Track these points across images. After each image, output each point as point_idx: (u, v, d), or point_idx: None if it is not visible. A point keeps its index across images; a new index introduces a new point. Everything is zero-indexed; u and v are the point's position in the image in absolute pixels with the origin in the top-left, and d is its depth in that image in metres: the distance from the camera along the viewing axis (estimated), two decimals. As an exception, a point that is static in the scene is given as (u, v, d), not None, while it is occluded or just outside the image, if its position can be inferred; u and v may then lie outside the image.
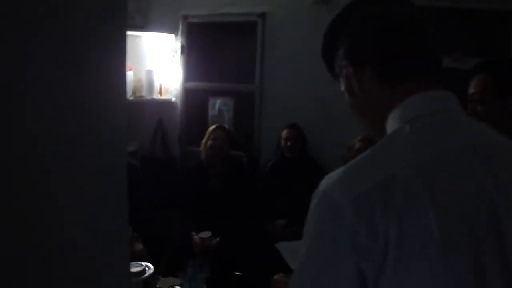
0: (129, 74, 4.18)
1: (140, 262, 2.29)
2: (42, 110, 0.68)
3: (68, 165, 0.73)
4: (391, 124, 0.91)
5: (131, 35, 4.20)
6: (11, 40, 0.63)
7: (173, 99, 4.48)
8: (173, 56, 4.46)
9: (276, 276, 1.39)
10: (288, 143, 3.70)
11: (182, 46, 4.42)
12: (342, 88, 1.04)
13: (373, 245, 0.73)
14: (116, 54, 0.81)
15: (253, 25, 4.12)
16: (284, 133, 3.76)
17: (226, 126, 3.91)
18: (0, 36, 0.61)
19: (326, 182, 0.84)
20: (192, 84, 4.46)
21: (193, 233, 3.27)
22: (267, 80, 4.13)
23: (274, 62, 4.07)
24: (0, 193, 0.63)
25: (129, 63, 4.16)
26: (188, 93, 4.49)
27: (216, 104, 4.38)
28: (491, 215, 0.77)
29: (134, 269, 2.20)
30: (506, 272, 0.76)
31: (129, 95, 4.26)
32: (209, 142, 3.58)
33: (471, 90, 1.83)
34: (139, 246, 2.72)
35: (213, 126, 3.71)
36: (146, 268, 2.26)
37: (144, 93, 4.35)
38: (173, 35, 4.42)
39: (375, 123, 0.98)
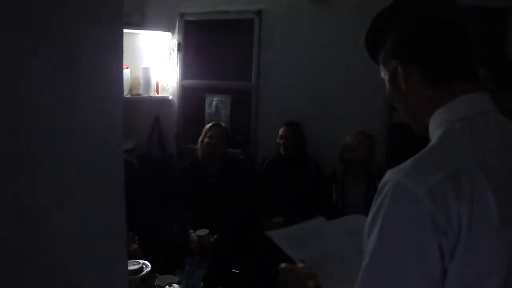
0: (126, 72, 4.18)
1: (137, 260, 2.29)
2: (38, 108, 0.68)
3: (64, 163, 0.73)
4: (437, 122, 0.99)
5: (128, 33, 4.20)
6: (6, 37, 0.63)
7: (170, 97, 4.48)
8: (170, 54, 4.46)
9: (282, 265, 1.40)
10: (283, 141, 3.72)
11: (178, 44, 4.41)
12: (383, 76, 1.10)
13: (449, 226, 0.84)
14: (113, 52, 0.81)
15: (250, 23, 4.12)
16: (281, 130, 3.77)
17: (223, 123, 3.90)
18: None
19: (395, 174, 0.91)
20: (189, 82, 4.46)
21: (190, 230, 3.27)
22: (264, 77, 4.13)
23: (271, 60, 4.08)
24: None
25: (125, 61, 4.16)
26: (185, 91, 4.49)
27: (213, 102, 4.38)
28: None
29: (132, 267, 2.20)
30: None
31: (126, 93, 4.25)
32: (206, 140, 3.58)
33: None
34: (134, 246, 2.72)
35: (210, 124, 3.70)
36: (144, 266, 2.26)
37: (141, 91, 4.35)
38: (169, 33, 4.42)
39: (416, 119, 1.07)
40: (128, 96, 4.25)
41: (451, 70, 0.99)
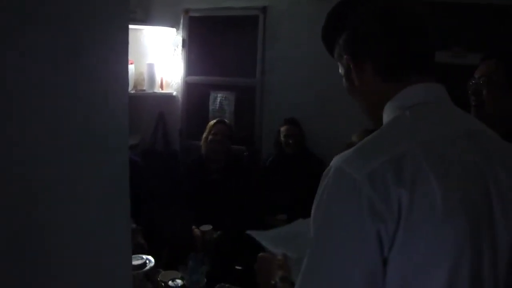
0: (130, 68, 4.18)
1: (141, 255, 2.30)
2: (42, 104, 0.68)
3: (69, 159, 0.73)
4: (389, 111, 0.99)
5: (132, 29, 4.20)
6: (11, 34, 0.63)
7: (174, 93, 4.49)
8: (174, 50, 4.46)
9: (261, 254, 1.43)
10: (290, 141, 3.71)
11: (183, 40, 4.42)
12: (341, 72, 1.10)
13: (388, 212, 0.82)
14: (119, 48, 0.81)
15: (255, 19, 4.12)
16: (284, 129, 3.75)
17: (227, 120, 3.90)
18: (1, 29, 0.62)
19: (338, 160, 0.90)
20: (193, 78, 4.47)
21: (194, 226, 3.28)
22: (268, 74, 4.13)
23: (275, 57, 4.07)
24: (1, 185, 0.64)
25: (130, 57, 4.12)
26: (189, 87, 4.49)
27: (217, 98, 4.38)
28: (484, 189, 0.90)
29: (135, 262, 2.21)
30: (493, 235, 0.89)
31: (130, 88, 4.26)
32: (210, 137, 3.57)
33: (477, 74, 1.81)
34: (141, 240, 2.73)
35: (214, 121, 3.70)
36: (147, 261, 2.27)
37: (145, 87, 4.36)
38: (174, 29, 4.42)
39: (371, 110, 1.07)
40: (132, 92, 4.26)
41: (403, 63, 0.98)
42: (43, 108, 0.68)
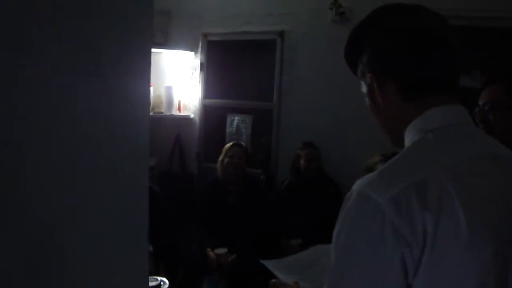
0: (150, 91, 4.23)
1: (155, 277, 2.29)
2: (65, 127, 0.69)
3: (90, 180, 0.74)
4: (412, 133, 0.97)
5: (151, 52, 4.26)
6: (37, 56, 0.65)
7: (192, 116, 4.52)
8: (193, 73, 4.51)
9: (273, 280, 1.41)
10: (312, 165, 3.70)
11: (201, 64, 4.47)
12: (363, 90, 1.08)
13: (413, 237, 0.80)
14: (141, 73, 0.83)
15: (272, 44, 4.16)
16: (305, 153, 3.74)
17: (243, 143, 3.92)
18: (27, 54, 0.63)
19: (360, 184, 0.89)
20: (210, 101, 4.50)
21: (209, 249, 3.27)
22: (285, 98, 4.15)
23: (292, 80, 4.10)
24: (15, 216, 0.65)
25: (149, 79, 4.21)
26: (206, 110, 4.53)
27: (234, 121, 4.41)
28: (507, 212, 0.87)
29: (150, 283, 2.20)
30: None
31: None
32: (226, 160, 3.58)
33: (482, 100, 1.80)
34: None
35: (230, 144, 3.71)
36: (162, 283, 2.26)
37: (163, 109, 4.40)
38: (192, 53, 4.47)
39: (393, 132, 1.05)
40: (150, 114, 4.28)
41: (428, 82, 0.96)
42: (64, 131, 0.69)
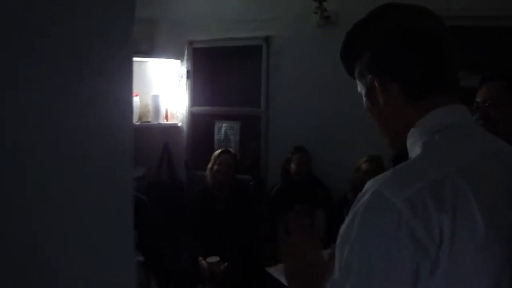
0: (136, 100, 4.21)
1: (147, 289, 2.27)
2: (45, 136, 0.68)
3: (74, 191, 0.73)
4: (416, 135, 0.96)
5: (137, 61, 4.24)
6: (14, 70, 0.63)
7: (179, 124, 4.50)
8: (179, 81, 4.50)
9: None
10: (303, 169, 3.69)
11: (187, 71, 4.45)
12: (360, 91, 1.07)
13: (429, 240, 0.78)
14: (123, 80, 0.81)
15: (258, 49, 4.16)
16: (296, 157, 3.73)
17: (232, 150, 3.90)
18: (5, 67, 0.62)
19: (374, 183, 0.86)
20: (198, 109, 4.49)
21: (201, 258, 3.24)
22: (273, 103, 4.14)
23: (279, 85, 4.10)
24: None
25: (135, 89, 4.18)
26: (194, 118, 4.51)
27: (222, 128, 4.39)
28: None
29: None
30: None
31: (136, 120, 4.28)
32: (215, 167, 3.57)
33: (480, 97, 1.79)
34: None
35: (218, 151, 3.70)
36: (154, 295, 2.23)
37: (151, 118, 4.38)
38: (178, 61, 4.46)
39: (394, 133, 1.04)
40: (137, 123, 4.28)
41: (430, 82, 0.95)
42: (44, 140, 0.67)
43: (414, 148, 0.95)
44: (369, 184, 0.88)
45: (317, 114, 3.91)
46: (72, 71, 0.71)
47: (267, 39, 4.10)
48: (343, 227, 0.87)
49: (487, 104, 1.75)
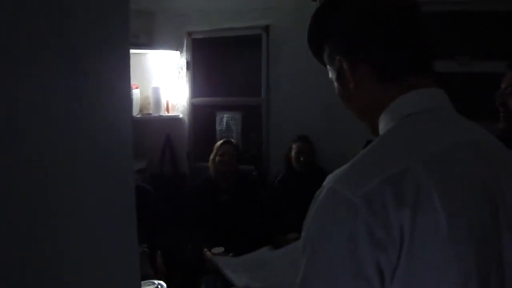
0: (136, 92, 4.20)
1: (152, 281, 2.27)
2: (44, 131, 0.67)
3: (74, 186, 0.72)
4: (385, 120, 0.91)
5: (136, 53, 4.23)
6: (13, 61, 0.63)
7: (181, 116, 4.50)
8: (179, 72, 4.48)
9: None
10: (301, 158, 3.67)
11: (187, 62, 4.44)
12: (331, 76, 1.02)
13: (388, 238, 0.73)
14: (120, 72, 0.80)
15: (257, 38, 4.14)
16: (296, 146, 3.72)
17: (234, 140, 3.90)
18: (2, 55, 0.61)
19: (331, 179, 0.82)
20: (198, 100, 4.48)
21: (205, 249, 3.25)
22: (274, 92, 4.13)
23: (280, 74, 4.08)
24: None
25: (135, 81, 4.19)
26: (195, 109, 4.50)
27: (224, 119, 4.39)
28: (490, 204, 0.80)
29: (147, 287, 2.18)
30: (500, 251, 0.80)
31: (136, 113, 4.27)
32: (217, 158, 3.57)
33: (504, 84, 1.76)
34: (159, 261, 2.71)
35: (220, 141, 3.69)
36: (159, 286, 2.24)
37: (151, 111, 4.37)
38: (178, 52, 4.44)
39: (368, 119, 0.98)
40: (138, 116, 4.27)
41: (402, 63, 0.90)
42: (43, 135, 0.67)
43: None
44: (327, 179, 0.83)
45: (319, 102, 3.89)
46: (68, 66, 0.71)
47: (266, 28, 4.08)
48: (304, 226, 0.84)
49: (507, 92, 1.71)
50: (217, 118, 4.42)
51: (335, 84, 1.01)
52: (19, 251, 0.65)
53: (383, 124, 0.91)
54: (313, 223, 0.81)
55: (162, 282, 2.28)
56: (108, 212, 0.79)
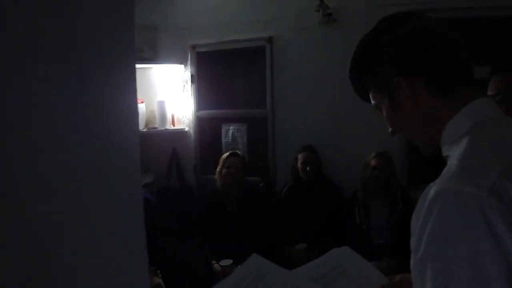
0: (141, 107, 4.22)
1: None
2: (50, 146, 0.67)
3: (82, 202, 0.72)
4: (454, 129, 0.93)
5: (141, 67, 4.25)
6: (15, 76, 0.63)
7: (186, 129, 4.50)
8: (184, 86, 4.50)
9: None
10: (308, 168, 3.65)
11: (192, 76, 4.45)
12: (376, 104, 1.06)
13: None
14: (126, 87, 0.81)
15: (261, 50, 4.15)
16: (302, 156, 3.70)
17: (240, 152, 3.90)
18: (8, 72, 0.61)
19: (444, 181, 0.82)
20: (204, 113, 4.49)
21: (213, 261, 3.24)
22: (279, 103, 4.13)
23: (284, 85, 4.08)
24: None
25: (140, 95, 4.20)
26: (200, 122, 4.51)
27: (229, 131, 4.39)
28: None
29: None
30: None
31: (142, 127, 4.29)
32: (224, 170, 3.57)
33: (491, 91, 1.75)
34: (157, 280, 2.70)
35: (227, 154, 3.69)
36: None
37: (157, 124, 4.39)
38: (182, 65, 4.46)
39: (425, 136, 1.02)
40: (144, 130, 4.28)
41: (456, 77, 0.95)
42: (50, 150, 0.67)
43: (452, 146, 0.92)
44: (432, 186, 0.83)
45: (324, 112, 3.89)
46: (75, 81, 0.71)
47: (270, 40, 4.09)
48: (415, 238, 0.82)
49: (498, 100, 1.69)
50: (223, 131, 4.42)
51: (386, 110, 1.04)
52: (27, 270, 0.64)
53: (451, 136, 0.93)
54: (432, 229, 0.79)
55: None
56: (117, 227, 0.79)
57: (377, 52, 1.03)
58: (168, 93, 4.49)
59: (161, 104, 4.36)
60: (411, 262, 0.86)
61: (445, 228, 0.78)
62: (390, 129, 1.08)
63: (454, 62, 0.96)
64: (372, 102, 1.08)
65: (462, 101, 0.93)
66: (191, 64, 4.45)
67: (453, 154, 0.90)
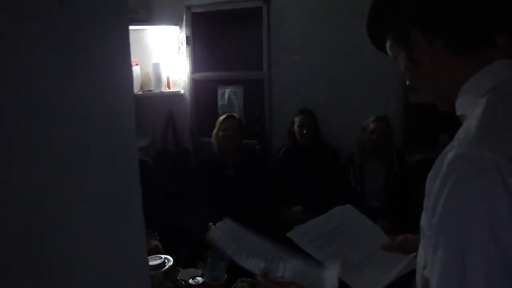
0: (136, 69, 4.18)
1: (159, 255, 2.29)
2: (43, 109, 0.67)
3: (77, 165, 0.72)
4: (472, 91, 0.91)
5: (135, 29, 4.19)
6: (9, 39, 0.62)
7: (182, 91, 4.48)
8: (179, 48, 4.45)
9: (258, 277, 1.34)
10: (304, 131, 3.64)
11: (187, 37, 4.40)
12: (395, 56, 1.03)
13: None
14: (120, 49, 0.79)
15: (258, 11, 4.08)
16: (298, 119, 3.69)
17: (236, 114, 3.88)
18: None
19: (463, 145, 0.80)
20: (200, 75, 4.45)
21: (211, 223, 3.27)
22: (275, 65, 4.10)
23: (281, 47, 4.04)
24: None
25: (135, 57, 4.16)
26: (196, 84, 4.48)
27: (225, 93, 4.37)
28: None
29: (154, 262, 2.21)
30: None
31: (137, 90, 4.26)
32: (221, 133, 3.56)
33: None
34: (154, 242, 2.74)
35: (223, 116, 3.67)
36: (166, 261, 2.26)
37: (152, 87, 4.35)
38: (177, 27, 4.40)
39: (441, 93, 0.99)
40: (139, 93, 4.26)
41: (477, 36, 0.93)
42: (43, 114, 0.66)
43: (468, 107, 0.91)
44: (449, 149, 0.81)
45: (321, 75, 3.86)
46: (67, 44, 0.70)
47: (267, 0, 4.02)
48: (429, 203, 0.81)
49: None
50: (219, 93, 4.40)
51: (403, 63, 1.02)
52: (26, 243, 0.65)
53: (468, 95, 0.92)
54: (454, 192, 0.78)
55: (168, 257, 2.30)
56: (113, 191, 0.79)
57: (396, 2, 1.00)
58: (163, 55, 4.44)
59: (156, 67, 4.32)
60: (422, 222, 0.87)
61: (464, 189, 0.77)
62: (407, 83, 1.06)
63: (476, 22, 0.93)
64: (389, 52, 1.06)
65: (482, 62, 0.91)
66: (186, 26, 4.39)
67: (471, 114, 0.88)
